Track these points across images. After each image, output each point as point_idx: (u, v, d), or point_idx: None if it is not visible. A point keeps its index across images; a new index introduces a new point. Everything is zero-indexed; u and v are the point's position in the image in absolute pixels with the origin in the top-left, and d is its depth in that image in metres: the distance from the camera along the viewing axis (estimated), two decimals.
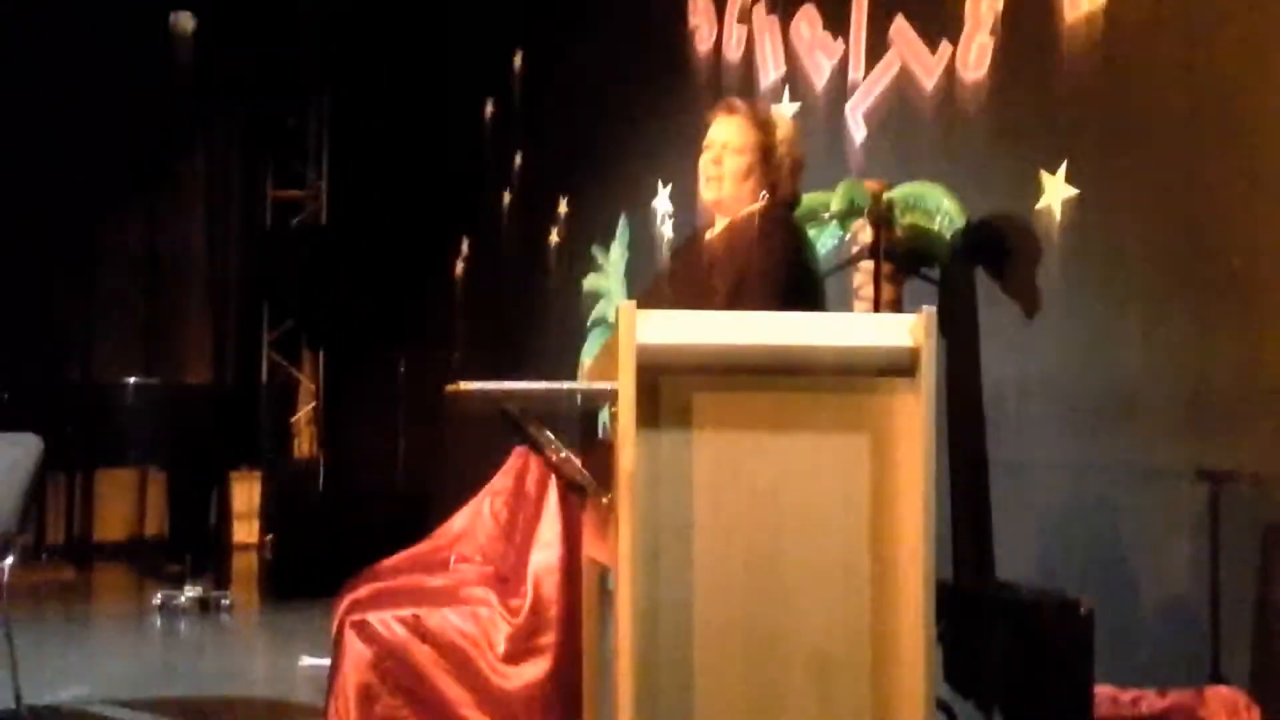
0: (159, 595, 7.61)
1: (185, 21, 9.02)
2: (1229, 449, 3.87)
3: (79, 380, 9.99)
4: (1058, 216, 4.52)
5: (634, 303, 2.74)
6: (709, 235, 3.70)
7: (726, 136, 3.57)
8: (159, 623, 7.30)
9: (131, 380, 8.06)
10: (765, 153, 3.54)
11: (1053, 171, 4.52)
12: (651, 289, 4.02)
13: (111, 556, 9.93)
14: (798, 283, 3.43)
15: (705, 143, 3.63)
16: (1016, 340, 4.70)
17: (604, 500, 2.91)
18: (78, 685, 5.51)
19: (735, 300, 3.33)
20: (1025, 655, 3.80)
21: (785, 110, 5.83)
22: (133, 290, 10.60)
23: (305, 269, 10.80)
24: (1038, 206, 4.58)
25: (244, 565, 9.96)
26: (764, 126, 3.57)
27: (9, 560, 4.77)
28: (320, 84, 11.30)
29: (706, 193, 3.62)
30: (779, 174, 3.56)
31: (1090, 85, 4.48)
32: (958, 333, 4.87)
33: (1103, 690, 3.80)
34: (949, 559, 4.78)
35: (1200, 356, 3.99)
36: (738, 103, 3.65)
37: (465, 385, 2.79)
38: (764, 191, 3.54)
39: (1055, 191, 4.52)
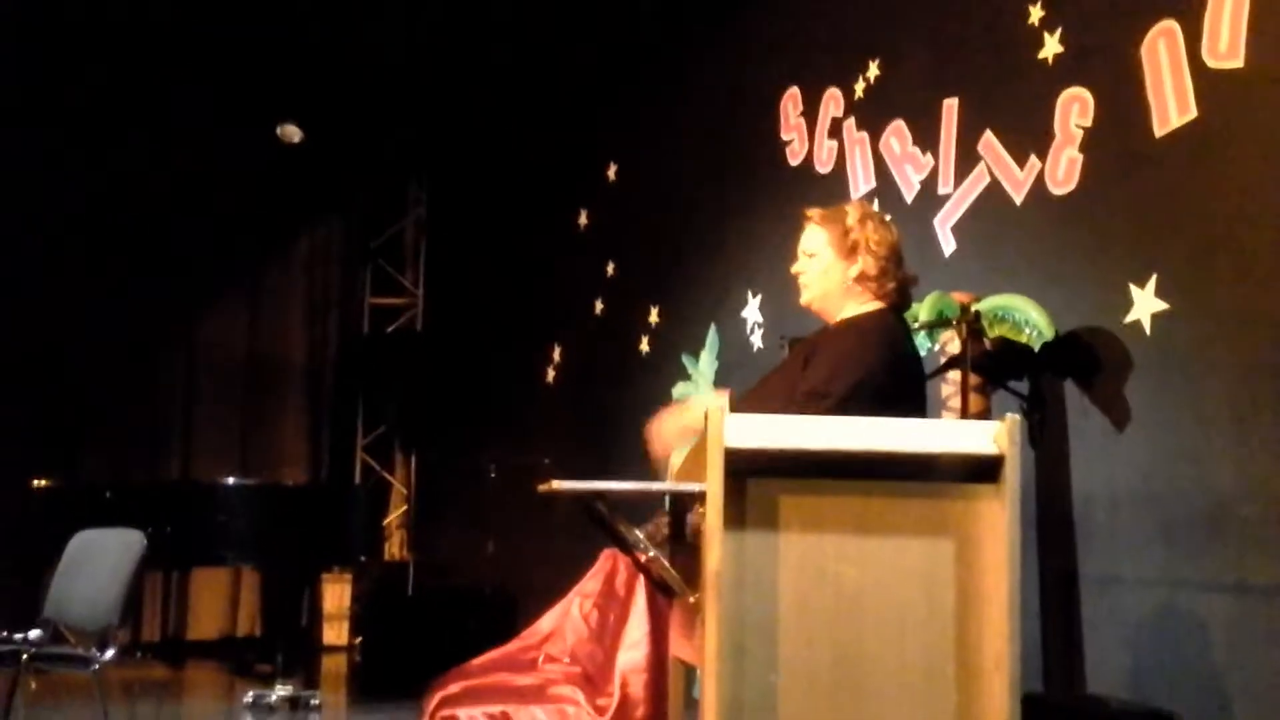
0: (250, 694, 7.69)
1: (292, 132, 9.29)
2: None
3: (178, 479, 10.22)
4: (1147, 329, 4.53)
5: (723, 406, 2.80)
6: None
7: (803, 244, 3.64)
8: None
9: (229, 480, 8.23)
10: (838, 245, 3.54)
11: (1142, 285, 4.55)
12: (748, 393, 4.00)
13: (204, 654, 10.06)
14: (891, 387, 3.38)
15: None
16: (1106, 453, 4.69)
17: (691, 600, 2.95)
18: None
19: (813, 404, 3.25)
20: None
21: None
22: (232, 392, 10.84)
23: (400, 375, 11.02)
24: (1126, 319, 4.60)
25: (334, 666, 10.04)
26: (831, 220, 3.58)
27: (108, 654, 4.87)
28: (418, 194, 11.60)
29: (802, 299, 3.68)
30: (858, 256, 3.53)
31: (1179, 199, 4.51)
32: (1046, 445, 4.87)
33: None
34: (1038, 672, 4.75)
35: None
36: (811, 210, 3.68)
37: (558, 484, 2.86)
38: (852, 280, 3.53)
39: (1144, 304, 4.54)
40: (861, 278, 3.52)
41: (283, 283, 11.15)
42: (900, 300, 3.60)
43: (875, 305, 3.54)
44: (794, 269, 3.66)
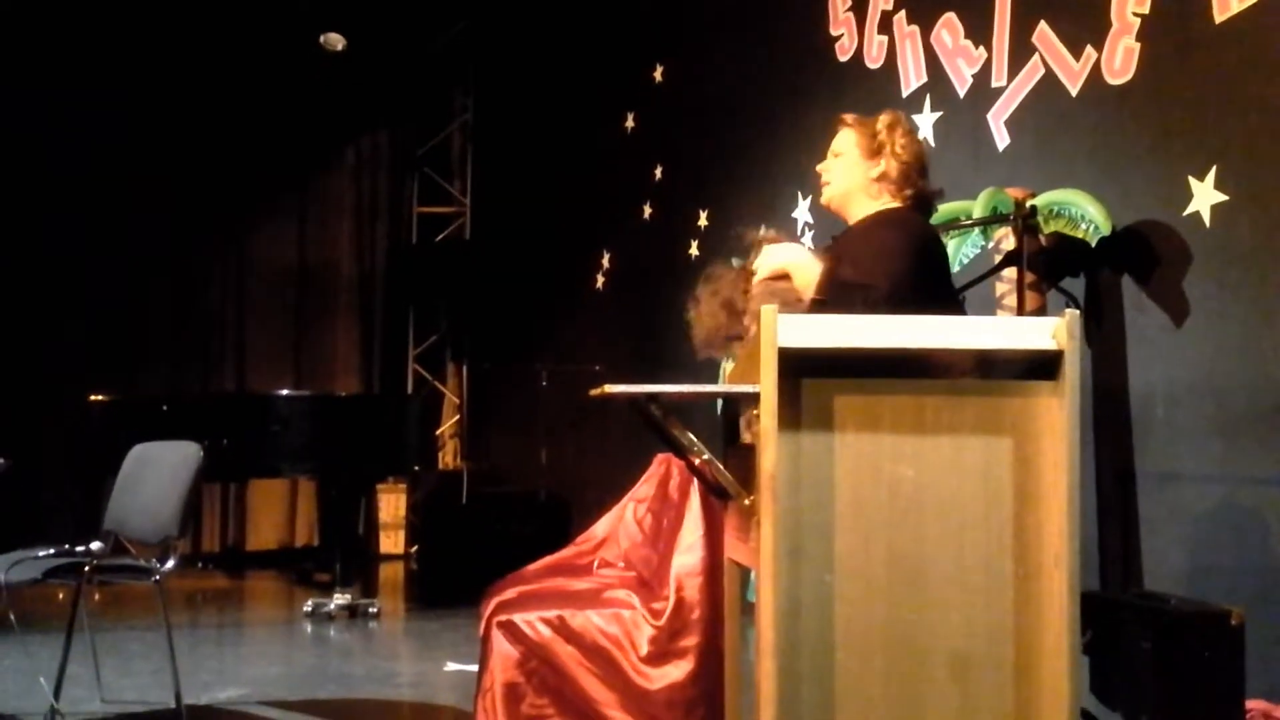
0: (309, 603, 7.80)
1: (335, 41, 9.23)
2: None
3: (233, 391, 10.31)
4: (1206, 222, 4.45)
5: (775, 307, 2.76)
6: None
7: (833, 144, 3.61)
8: (309, 629, 7.47)
9: (284, 392, 8.28)
10: (864, 145, 3.51)
11: (1201, 177, 4.45)
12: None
13: (263, 564, 10.21)
14: (927, 278, 3.31)
15: None
16: (1164, 349, 4.63)
17: (746, 502, 2.93)
18: (233, 687, 5.67)
19: (839, 307, 3.20)
20: (1174, 667, 3.74)
21: (925, 119, 5.83)
22: (284, 304, 10.90)
23: (450, 284, 11.02)
24: (1185, 212, 4.51)
25: (391, 574, 10.17)
26: (861, 124, 3.56)
27: (169, 565, 4.92)
28: (463, 101, 11.53)
29: (822, 197, 3.65)
30: (881, 158, 3.49)
31: (1239, 88, 4.40)
32: (1103, 341, 4.81)
33: (1255, 704, 3.73)
34: (1095, 571, 4.73)
35: None
36: (848, 115, 3.64)
37: (611, 388, 2.84)
38: (872, 179, 3.49)
39: (1204, 197, 4.45)
40: (882, 178, 3.49)
41: (331, 194, 11.15)
42: (919, 208, 3.55)
43: (895, 204, 3.49)
44: (819, 167, 3.63)
